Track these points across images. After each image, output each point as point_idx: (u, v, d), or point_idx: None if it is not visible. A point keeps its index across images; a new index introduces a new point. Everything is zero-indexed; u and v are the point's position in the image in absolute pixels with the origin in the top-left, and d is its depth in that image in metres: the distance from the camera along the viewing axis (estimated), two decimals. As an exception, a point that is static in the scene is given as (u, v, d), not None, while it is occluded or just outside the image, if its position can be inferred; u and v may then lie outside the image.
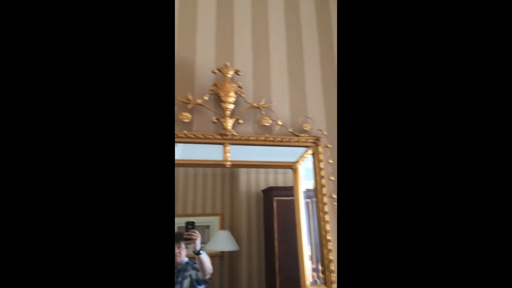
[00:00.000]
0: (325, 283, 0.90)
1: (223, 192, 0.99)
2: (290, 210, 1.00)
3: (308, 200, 1.02)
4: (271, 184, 1.06)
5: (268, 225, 0.99)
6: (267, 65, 1.14)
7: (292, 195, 1.01)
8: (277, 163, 1.04)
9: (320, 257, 0.93)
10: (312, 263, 0.92)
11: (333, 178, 1.05)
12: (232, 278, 0.89)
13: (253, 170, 1.04)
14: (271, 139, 1.01)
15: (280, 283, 0.90)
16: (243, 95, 1.04)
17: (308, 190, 1.03)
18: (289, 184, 1.03)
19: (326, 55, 1.22)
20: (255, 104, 1.05)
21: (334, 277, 0.90)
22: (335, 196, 1.03)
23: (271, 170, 1.06)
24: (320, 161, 1.04)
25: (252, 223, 0.98)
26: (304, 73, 1.18)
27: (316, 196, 1.01)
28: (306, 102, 1.15)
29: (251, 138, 0.99)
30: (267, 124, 1.04)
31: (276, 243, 0.94)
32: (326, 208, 0.99)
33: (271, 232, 0.97)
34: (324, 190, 1.01)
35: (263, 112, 1.05)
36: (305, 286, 0.87)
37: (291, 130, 1.05)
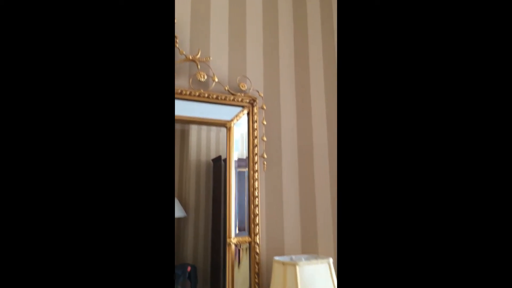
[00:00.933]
0: (249, 233, 0.96)
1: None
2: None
3: (241, 169, 1.04)
4: (222, 153, 1.04)
5: (216, 192, 0.99)
6: (207, 17, 1.07)
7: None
8: (211, 120, 1.02)
9: (247, 212, 0.98)
10: (239, 216, 0.97)
11: (265, 139, 1.09)
12: (177, 244, 0.89)
13: (204, 138, 1.00)
14: (206, 95, 0.98)
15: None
16: (177, 46, 0.97)
17: (240, 160, 1.05)
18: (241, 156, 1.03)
19: (269, 17, 1.19)
20: (190, 57, 0.99)
21: (257, 229, 0.96)
22: (266, 156, 1.07)
23: (221, 139, 1.04)
24: (254, 121, 1.06)
25: (201, 191, 0.97)
26: (246, 31, 1.14)
27: (248, 156, 1.04)
28: (246, 62, 1.13)
29: (184, 92, 0.94)
30: (203, 80, 1.00)
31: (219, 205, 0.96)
32: (256, 167, 1.03)
33: (218, 198, 0.98)
34: (256, 150, 1.04)
35: (199, 67, 1.00)
36: (230, 237, 0.92)
37: (227, 88, 1.03)
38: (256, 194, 1.01)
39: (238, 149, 1.04)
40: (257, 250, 0.94)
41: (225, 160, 1.01)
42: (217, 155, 1.02)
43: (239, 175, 1.03)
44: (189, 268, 0.82)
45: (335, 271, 0.90)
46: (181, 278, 0.79)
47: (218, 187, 0.98)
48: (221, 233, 0.95)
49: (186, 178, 0.95)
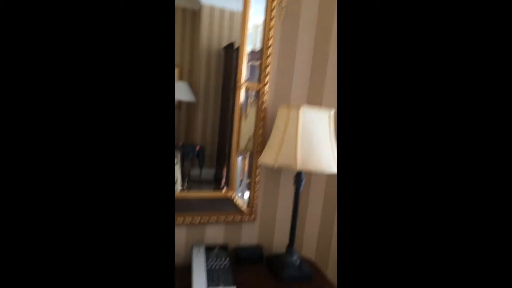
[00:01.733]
0: (259, 81, 0.98)
1: (183, 45, 0.92)
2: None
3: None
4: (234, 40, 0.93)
5: (226, 79, 0.95)
6: None
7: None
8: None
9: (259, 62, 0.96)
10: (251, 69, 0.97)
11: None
12: (188, 126, 0.93)
13: (216, 23, 0.88)
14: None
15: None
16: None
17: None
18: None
19: None
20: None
21: (267, 79, 0.97)
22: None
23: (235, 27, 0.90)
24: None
25: (211, 77, 0.94)
26: None
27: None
28: None
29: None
30: None
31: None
32: (273, 14, 0.94)
33: (228, 85, 0.95)
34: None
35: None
36: (240, 81, 0.95)
37: None
38: (270, 44, 0.98)
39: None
40: (264, 98, 1.00)
41: (237, 49, 0.95)
42: (229, 42, 0.95)
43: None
44: (198, 147, 0.89)
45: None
46: (190, 154, 0.87)
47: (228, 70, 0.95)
48: (228, 119, 0.97)
49: (196, 63, 0.93)
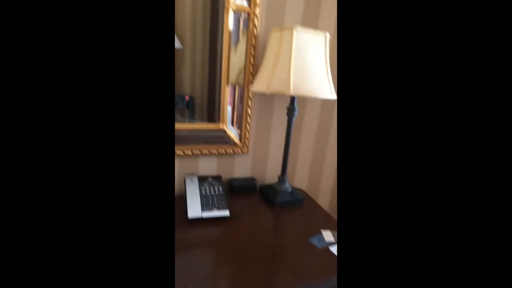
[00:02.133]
0: (249, 4, 0.88)
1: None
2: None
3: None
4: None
5: (214, 23, 0.83)
6: None
7: None
8: None
9: None
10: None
11: None
12: (176, 75, 0.88)
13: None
14: None
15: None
16: None
17: None
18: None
19: None
20: None
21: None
22: None
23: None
24: None
25: (198, 21, 0.85)
26: None
27: None
28: None
29: None
30: None
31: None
32: None
33: (216, 30, 0.84)
34: None
35: None
36: (229, 3, 0.85)
37: None
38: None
39: None
40: (256, 23, 0.92)
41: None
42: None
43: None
44: (187, 98, 0.86)
45: (329, 47, 0.93)
46: (180, 105, 0.84)
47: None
48: (217, 70, 0.93)
49: (181, 8, 0.82)
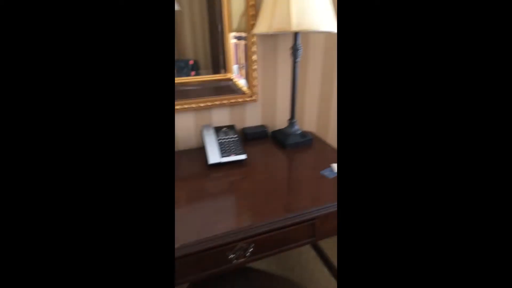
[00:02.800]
0: None
1: None
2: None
3: None
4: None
5: None
6: None
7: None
8: None
9: None
10: None
11: None
12: (178, 40, 0.89)
13: None
14: None
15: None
16: None
17: None
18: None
19: None
20: None
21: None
22: None
23: None
24: None
25: None
26: None
27: None
28: None
29: None
30: None
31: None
32: None
33: None
34: None
35: None
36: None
37: None
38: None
39: None
40: (252, -40, 0.88)
41: None
42: None
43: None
44: (191, 62, 0.87)
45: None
46: (184, 70, 0.85)
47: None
48: (217, 22, 0.92)
49: None
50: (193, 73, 0.92)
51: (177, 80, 0.93)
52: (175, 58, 0.91)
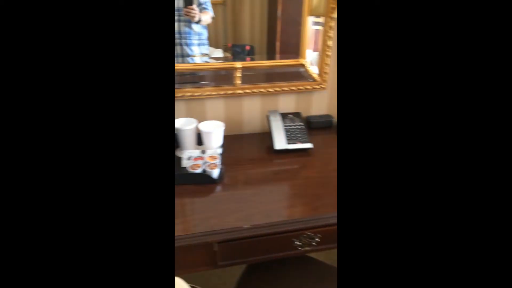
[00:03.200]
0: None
1: None
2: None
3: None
4: None
5: None
6: None
7: None
8: None
9: None
10: None
11: None
12: (235, 25, 0.89)
13: None
14: None
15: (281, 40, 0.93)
16: None
17: None
18: None
19: None
20: None
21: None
22: None
23: None
24: None
25: None
26: None
27: None
28: None
29: None
30: None
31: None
32: None
33: None
34: None
35: None
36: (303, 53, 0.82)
37: None
38: None
39: None
40: None
41: None
42: None
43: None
44: (247, 47, 0.87)
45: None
46: (240, 55, 0.86)
47: None
48: (277, 13, 0.90)
49: None
50: (248, 58, 0.92)
51: (245, 64, 0.93)
52: (233, 43, 0.91)
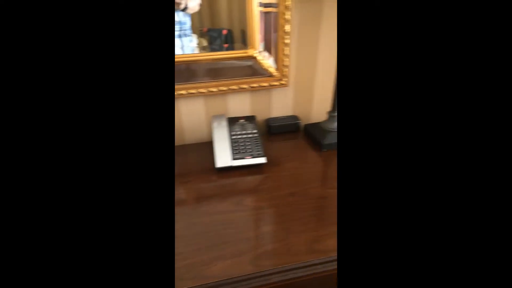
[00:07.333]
0: None
1: None
2: None
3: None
4: None
5: None
6: None
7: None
8: None
9: None
10: None
11: None
12: (213, 9, 0.74)
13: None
14: None
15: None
16: None
17: None
18: None
19: None
20: None
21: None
22: None
23: None
24: None
25: None
26: None
27: None
28: None
29: None
30: None
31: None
32: None
33: None
34: None
35: None
36: None
37: None
38: None
39: None
40: None
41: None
42: None
43: None
44: (225, 31, 0.76)
45: None
46: (217, 40, 0.75)
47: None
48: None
49: None
50: (226, 45, 0.75)
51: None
52: (209, 27, 0.74)
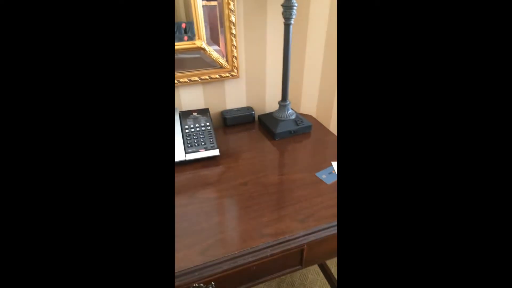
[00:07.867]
0: None
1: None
2: None
3: None
4: None
5: None
6: None
7: None
8: None
9: None
10: None
11: None
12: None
13: None
14: None
15: None
16: None
17: None
18: None
19: None
20: None
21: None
22: None
23: None
24: None
25: None
26: None
27: None
28: None
29: None
30: None
31: None
32: None
33: None
34: None
35: None
36: None
37: None
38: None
39: None
40: None
41: None
42: None
43: None
44: (183, 25, 0.74)
45: None
46: (176, 34, 0.73)
47: None
48: None
49: None
50: (186, 38, 0.73)
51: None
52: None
